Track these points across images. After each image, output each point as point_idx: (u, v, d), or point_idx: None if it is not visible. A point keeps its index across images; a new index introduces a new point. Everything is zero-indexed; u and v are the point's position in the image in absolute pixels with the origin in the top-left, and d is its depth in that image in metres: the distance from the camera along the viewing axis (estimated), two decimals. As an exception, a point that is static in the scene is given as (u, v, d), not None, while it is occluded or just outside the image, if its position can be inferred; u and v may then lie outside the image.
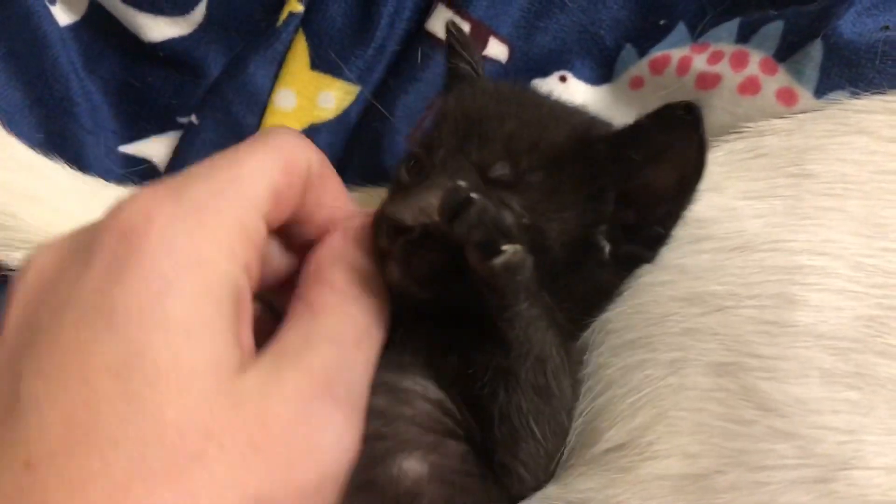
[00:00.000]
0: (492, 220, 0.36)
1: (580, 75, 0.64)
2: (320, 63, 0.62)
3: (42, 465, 0.27)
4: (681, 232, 0.45)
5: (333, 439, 0.33)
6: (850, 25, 0.52)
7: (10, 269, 0.53)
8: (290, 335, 0.35)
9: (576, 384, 0.43)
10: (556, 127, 0.45)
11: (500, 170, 0.43)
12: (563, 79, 0.64)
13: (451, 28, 0.53)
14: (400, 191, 0.45)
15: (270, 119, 0.62)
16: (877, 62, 0.51)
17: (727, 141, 0.50)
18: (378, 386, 0.38)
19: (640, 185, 0.43)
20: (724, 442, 0.38)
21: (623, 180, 0.43)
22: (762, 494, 0.36)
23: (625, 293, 0.44)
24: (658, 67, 0.61)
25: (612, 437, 0.41)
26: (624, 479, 0.39)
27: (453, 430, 0.42)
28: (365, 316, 0.37)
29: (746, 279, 0.41)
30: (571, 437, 0.42)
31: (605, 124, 0.50)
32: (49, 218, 0.54)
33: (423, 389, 0.42)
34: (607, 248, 0.44)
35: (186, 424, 0.28)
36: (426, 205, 0.40)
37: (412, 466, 0.40)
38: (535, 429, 0.40)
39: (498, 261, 0.36)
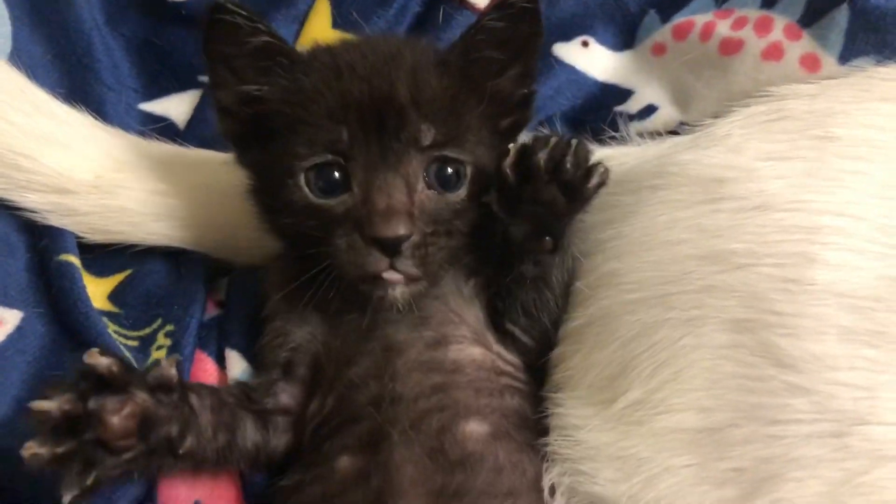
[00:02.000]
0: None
1: (602, 41, 0.64)
2: (342, 22, 0.62)
3: None
4: (696, 192, 0.45)
5: None
6: (878, -9, 0.52)
7: (29, 210, 0.53)
8: None
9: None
10: (426, 68, 0.45)
11: (428, 135, 0.44)
12: (585, 44, 0.64)
13: (228, 7, 0.43)
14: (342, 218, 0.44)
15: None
16: (903, 29, 0.51)
17: (747, 105, 0.50)
18: (424, 363, 0.44)
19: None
20: (739, 397, 0.38)
21: (494, 77, 0.47)
22: (776, 447, 0.36)
23: (636, 247, 0.45)
24: (681, 33, 0.61)
25: (630, 395, 0.41)
26: (638, 431, 0.40)
27: (508, 382, 0.45)
28: None
29: (766, 238, 0.41)
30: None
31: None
32: (70, 162, 0.54)
33: (467, 352, 0.45)
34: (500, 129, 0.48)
35: None
36: (399, 200, 0.43)
37: (474, 428, 0.43)
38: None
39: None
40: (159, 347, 0.52)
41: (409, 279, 0.43)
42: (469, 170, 0.45)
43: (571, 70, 0.63)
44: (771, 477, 0.36)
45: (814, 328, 0.38)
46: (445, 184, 0.45)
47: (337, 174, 0.44)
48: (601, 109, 0.62)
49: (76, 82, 0.62)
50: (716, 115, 0.51)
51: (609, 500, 0.39)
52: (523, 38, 0.46)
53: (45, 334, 0.51)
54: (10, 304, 0.51)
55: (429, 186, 0.44)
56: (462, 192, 0.45)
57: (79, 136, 0.55)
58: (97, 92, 0.63)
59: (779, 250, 0.41)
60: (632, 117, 0.60)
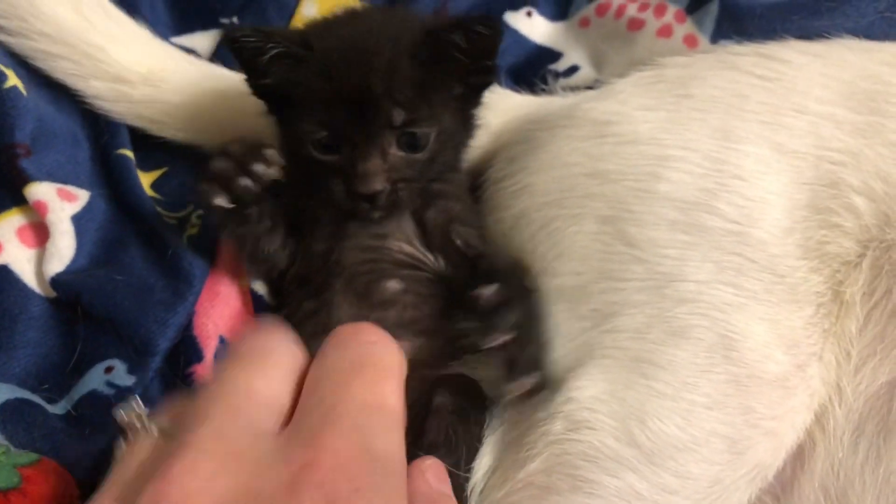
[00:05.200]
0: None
1: (543, 12, 0.81)
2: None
3: None
4: (591, 130, 0.63)
5: None
6: (741, -7, 0.70)
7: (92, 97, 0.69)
8: None
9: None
10: (400, 61, 0.57)
11: (399, 117, 0.57)
12: (529, 14, 0.81)
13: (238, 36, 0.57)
14: (337, 171, 0.58)
15: (296, 22, 0.78)
16: (755, 20, 0.70)
17: (640, 70, 0.68)
18: (366, 247, 0.60)
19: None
20: (600, 265, 0.57)
21: (460, 68, 0.59)
22: (619, 295, 0.55)
23: (546, 166, 0.63)
24: (601, 11, 0.79)
25: (532, 266, 0.60)
26: (535, 288, 0.58)
27: (419, 266, 0.61)
28: None
29: (631, 162, 0.60)
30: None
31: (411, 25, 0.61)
32: (129, 58, 0.68)
33: (399, 245, 0.62)
34: (464, 90, 0.61)
35: None
36: (376, 167, 0.57)
37: (392, 285, 0.60)
38: None
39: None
40: (192, 226, 0.69)
41: (383, 209, 0.59)
42: (432, 136, 0.58)
43: (516, 33, 0.80)
44: (614, 313, 0.55)
45: (652, 221, 0.57)
46: (412, 147, 0.58)
47: (333, 142, 0.58)
48: (536, 66, 0.79)
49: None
50: (620, 76, 0.69)
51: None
52: (485, 46, 0.58)
53: (107, 210, 0.68)
54: (80, 185, 0.67)
55: (399, 149, 0.58)
56: (426, 153, 0.58)
57: (136, 38, 0.71)
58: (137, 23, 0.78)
59: (638, 171, 0.59)
60: (559, 74, 0.78)
